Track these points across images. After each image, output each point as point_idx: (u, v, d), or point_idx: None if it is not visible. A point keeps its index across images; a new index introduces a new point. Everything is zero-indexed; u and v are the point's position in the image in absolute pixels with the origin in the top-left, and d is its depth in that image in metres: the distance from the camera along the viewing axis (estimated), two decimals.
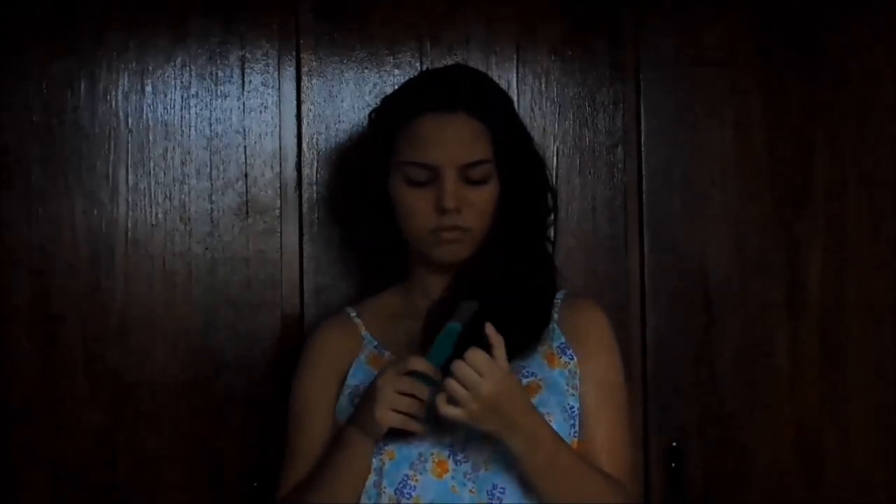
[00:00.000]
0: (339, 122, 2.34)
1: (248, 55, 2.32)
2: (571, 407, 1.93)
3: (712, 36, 2.39)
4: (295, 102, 2.33)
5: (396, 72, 2.34)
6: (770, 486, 2.38)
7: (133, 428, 2.28)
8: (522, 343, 1.91)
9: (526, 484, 1.86)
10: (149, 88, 2.30)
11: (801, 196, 2.40)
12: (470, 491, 1.87)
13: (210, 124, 2.31)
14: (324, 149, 2.33)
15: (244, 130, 2.32)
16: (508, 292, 1.93)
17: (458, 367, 1.75)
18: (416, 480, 1.87)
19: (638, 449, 2.35)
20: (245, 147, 2.32)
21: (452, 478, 1.87)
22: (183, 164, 2.30)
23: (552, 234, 2.07)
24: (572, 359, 1.96)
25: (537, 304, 1.95)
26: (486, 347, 1.77)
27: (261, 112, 2.32)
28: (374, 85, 2.34)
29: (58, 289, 2.27)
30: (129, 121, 2.29)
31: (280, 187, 2.32)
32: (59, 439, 2.27)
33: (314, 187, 2.33)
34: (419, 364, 1.80)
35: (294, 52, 2.33)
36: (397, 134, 1.96)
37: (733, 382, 2.38)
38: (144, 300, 2.29)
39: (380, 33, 2.34)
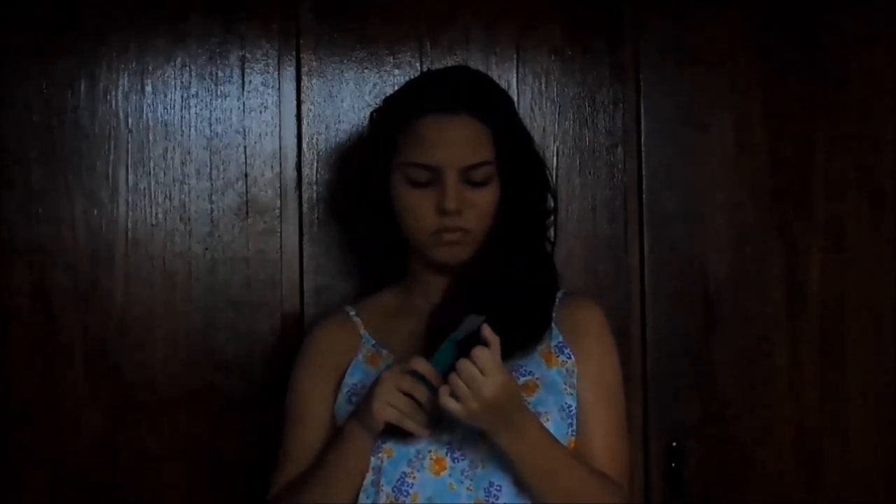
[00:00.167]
0: (339, 122, 2.34)
1: (248, 55, 2.32)
2: (569, 406, 1.93)
3: (712, 36, 2.39)
4: (295, 102, 2.33)
5: (396, 72, 2.34)
6: (770, 486, 2.38)
7: (133, 428, 2.28)
8: (523, 343, 1.91)
9: (522, 482, 1.86)
10: (149, 88, 2.30)
11: (801, 196, 2.40)
12: (467, 489, 1.87)
13: (210, 124, 2.31)
14: (324, 149, 2.33)
15: (244, 130, 2.32)
16: (509, 292, 1.93)
17: (464, 365, 1.75)
18: (414, 478, 1.87)
19: (638, 449, 2.35)
20: (245, 147, 2.32)
21: (450, 475, 1.88)
22: (183, 164, 2.30)
23: (552, 234, 2.07)
24: (570, 358, 1.96)
25: (537, 304, 1.95)
26: None
27: (261, 112, 2.32)
28: (374, 85, 2.34)
29: (58, 289, 2.27)
30: (129, 121, 2.30)
31: (280, 187, 2.32)
32: (59, 439, 2.27)
33: (314, 187, 2.33)
34: (422, 366, 1.81)
35: (294, 52, 2.33)
36: (399, 134, 1.96)
37: (733, 382, 2.38)
38: (144, 300, 2.29)
39: (380, 33, 2.34)
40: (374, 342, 2.02)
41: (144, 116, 2.30)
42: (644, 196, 2.38)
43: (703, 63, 2.39)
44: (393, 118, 1.98)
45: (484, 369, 1.75)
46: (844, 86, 2.40)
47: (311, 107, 2.33)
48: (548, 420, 1.89)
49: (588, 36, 2.37)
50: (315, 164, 2.33)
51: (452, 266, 1.98)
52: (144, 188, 2.29)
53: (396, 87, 2.11)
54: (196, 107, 2.31)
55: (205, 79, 2.31)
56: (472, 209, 1.93)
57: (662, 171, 2.39)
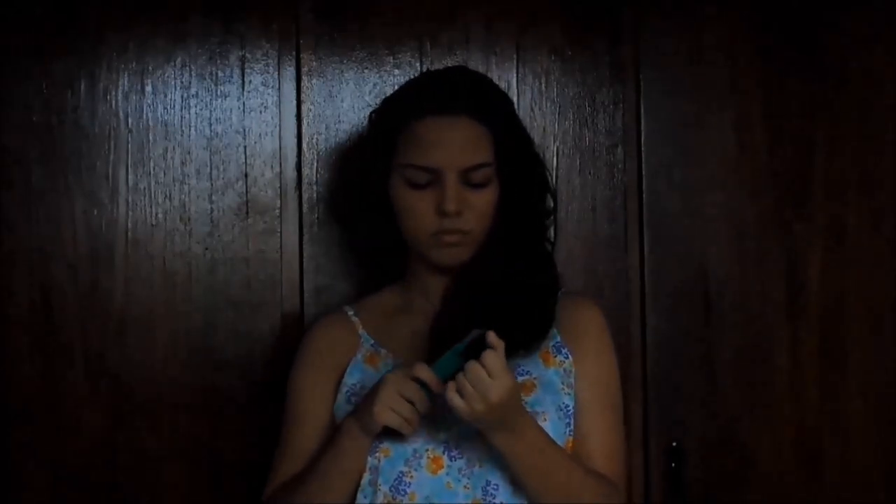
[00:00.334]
0: (339, 122, 2.34)
1: (248, 55, 2.32)
2: (566, 406, 1.93)
3: (712, 36, 2.39)
4: (295, 102, 2.33)
5: (396, 72, 2.34)
6: (770, 486, 2.38)
7: (133, 428, 2.28)
8: (525, 343, 1.91)
9: (518, 482, 1.87)
10: (149, 88, 2.30)
11: (801, 196, 2.40)
12: (465, 487, 1.87)
13: (210, 124, 2.31)
14: (324, 149, 2.33)
15: (244, 130, 2.32)
16: (509, 293, 1.93)
17: (473, 367, 1.75)
18: (412, 477, 1.87)
19: (638, 449, 2.35)
20: (245, 147, 2.32)
21: (447, 474, 1.88)
22: (183, 164, 2.30)
23: (552, 234, 2.07)
24: (567, 357, 1.96)
25: (539, 303, 1.95)
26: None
27: (261, 112, 2.32)
28: (374, 85, 2.34)
29: (58, 289, 2.27)
30: (129, 121, 2.30)
31: (280, 187, 2.32)
32: (59, 439, 2.27)
33: (314, 187, 2.33)
34: (424, 373, 1.81)
35: (294, 52, 2.33)
36: (398, 135, 1.96)
37: (733, 382, 2.38)
38: (144, 300, 2.29)
39: (380, 33, 2.34)
40: (372, 342, 2.02)
41: (144, 116, 2.30)
42: (644, 196, 2.38)
43: (703, 63, 2.39)
44: (392, 119, 1.98)
45: (492, 372, 1.75)
46: (844, 86, 2.40)
47: (311, 107, 2.33)
48: (545, 420, 1.90)
49: (588, 36, 2.37)
50: (315, 164, 2.33)
51: (452, 267, 1.98)
52: (144, 188, 2.29)
53: (396, 87, 2.11)
54: (196, 107, 2.31)
55: (205, 79, 2.31)
56: (471, 210, 1.93)
57: (662, 171, 2.39)
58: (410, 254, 2.03)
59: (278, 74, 2.32)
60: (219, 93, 2.31)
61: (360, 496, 1.89)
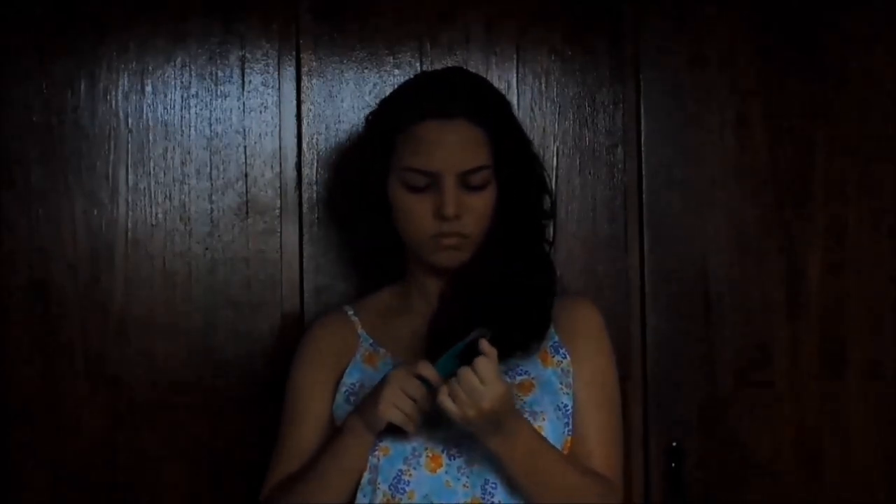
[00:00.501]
0: (339, 122, 2.34)
1: (248, 55, 2.32)
2: (565, 405, 1.93)
3: (712, 36, 2.39)
4: (295, 102, 2.33)
5: (396, 72, 2.34)
6: (770, 486, 2.38)
7: (133, 428, 2.28)
8: (523, 343, 1.91)
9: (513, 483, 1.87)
10: (149, 88, 2.30)
11: (801, 196, 2.40)
12: (464, 486, 1.87)
13: (210, 124, 2.31)
14: (324, 149, 2.33)
15: (244, 130, 2.32)
16: (508, 293, 1.93)
17: (465, 373, 1.76)
18: (410, 475, 1.87)
19: (638, 449, 2.35)
20: (245, 147, 2.32)
21: (446, 472, 1.88)
22: (183, 164, 2.30)
23: (551, 235, 2.07)
24: (565, 357, 1.96)
25: (537, 303, 1.95)
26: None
27: (261, 112, 2.32)
28: (374, 85, 2.34)
29: (58, 289, 2.27)
30: (129, 121, 2.30)
31: (280, 187, 2.32)
32: (59, 439, 2.27)
33: (314, 187, 2.33)
34: (427, 370, 1.81)
35: (294, 52, 2.33)
36: (396, 138, 1.95)
37: (733, 382, 2.38)
38: (144, 300, 2.29)
39: (380, 33, 2.34)
40: (371, 341, 2.02)
41: (144, 116, 2.30)
42: (644, 196, 2.38)
43: (703, 63, 2.39)
44: (389, 122, 1.98)
45: (484, 379, 1.76)
46: (844, 86, 2.40)
47: (311, 107, 2.33)
48: (544, 419, 1.90)
49: (588, 36, 2.37)
50: (315, 164, 2.33)
51: (451, 269, 1.98)
52: (144, 188, 2.29)
53: (394, 89, 2.10)
54: (196, 107, 2.31)
55: (205, 79, 2.31)
56: (470, 213, 1.93)
57: (662, 171, 2.39)
58: (408, 254, 2.03)
59: (278, 74, 2.32)
60: (219, 93, 2.31)
61: (359, 495, 1.89)
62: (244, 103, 2.32)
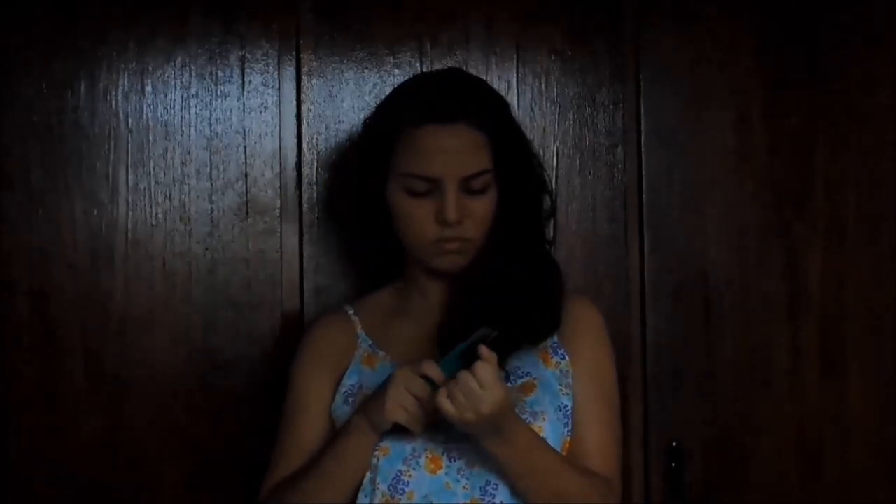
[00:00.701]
0: (339, 122, 2.34)
1: (248, 55, 2.32)
2: (565, 406, 1.93)
3: (712, 36, 2.39)
4: (295, 102, 2.33)
5: (396, 72, 2.34)
6: (770, 486, 2.38)
7: (133, 428, 2.28)
8: (530, 341, 1.91)
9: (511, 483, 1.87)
10: (149, 88, 2.30)
11: (801, 196, 2.40)
12: (464, 487, 1.87)
13: (210, 124, 2.31)
14: (324, 149, 2.33)
15: (244, 130, 2.32)
16: (512, 294, 1.92)
17: (465, 377, 1.76)
18: (410, 476, 1.87)
19: (638, 449, 2.35)
20: (245, 147, 2.32)
21: (446, 474, 1.88)
22: (183, 164, 2.30)
23: (551, 234, 2.06)
24: (564, 358, 1.96)
25: (541, 301, 1.94)
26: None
27: (261, 112, 2.32)
28: (374, 85, 2.34)
29: (58, 289, 2.27)
30: (129, 121, 2.30)
31: (280, 187, 2.32)
32: (59, 439, 2.27)
33: (314, 187, 2.33)
34: (432, 370, 1.81)
35: (294, 52, 2.33)
36: (396, 143, 1.94)
37: (733, 382, 2.38)
38: (144, 300, 2.29)
39: (380, 33, 2.34)
40: (370, 342, 2.02)
41: (144, 116, 2.30)
42: (644, 196, 2.38)
43: (703, 63, 2.39)
44: (389, 126, 1.96)
45: (483, 383, 1.75)
46: (844, 86, 2.40)
47: (311, 107, 2.33)
48: (544, 420, 1.90)
49: (588, 36, 2.37)
50: (315, 164, 2.33)
51: (451, 272, 1.97)
52: (144, 188, 2.29)
53: (391, 92, 2.10)
54: (196, 107, 2.31)
55: (205, 79, 2.31)
56: (471, 217, 1.93)
57: (662, 171, 2.39)
58: (408, 256, 2.03)
59: (278, 74, 2.32)
60: (219, 93, 2.31)
61: (360, 495, 1.89)
62: (244, 103, 2.32)
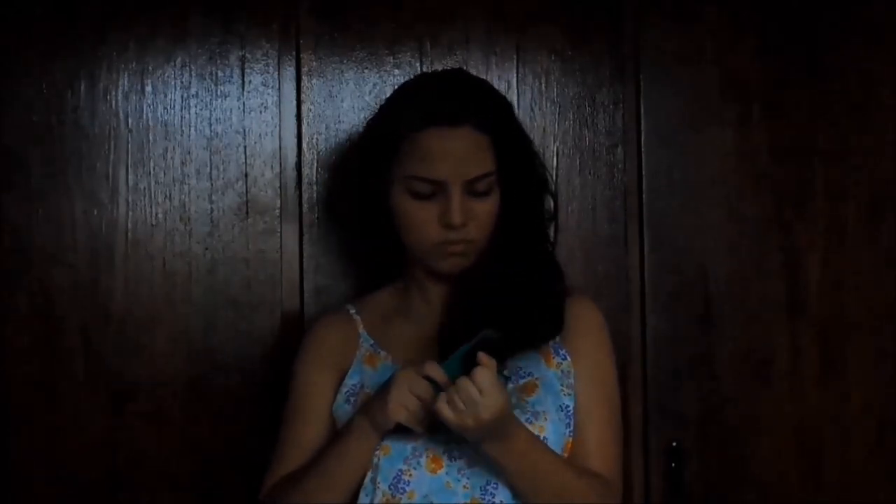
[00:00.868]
0: (339, 122, 2.34)
1: (248, 55, 2.32)
2: (566, 406, 1.93)
3: (712, 36, 2.39)
4: (295, 102, 2.33)
5: (396, 72, 2.34)
6: (770, 486, 2.38)
7: (133, 428, 2.28)
8: (532, 343, 1.91)
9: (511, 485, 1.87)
10: (149, 88, 2.30)
11: (801, 196, 2.40)
12: (464, 487, 1.87)
13: (210, 124, 2.31)
14: (324, 149, 2.33)
15: (244, 130, 2.32)
16: (513, 294, 1.92)
17: (464, 383, 1.76)
18: (410, 475, 1.87)
19: (638, 449, 2.35)
20: (245, 147, 2.32)
21: (447, 473, 1.88)
22: (183, 164, 2.30)
23: (553, 235, 2.06)
24: (565, 359, 1.96)
25: (547, 302, 1.94)
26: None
27: (261, 112, 2.32)
28: (374, 85, 2.34)
29: (58, 289, 2.27)
30: (129, 121, 2.30)
31: (280, 187, 2.32)
32: (59, 439, 2.27)
33: (314, 187, 2.33)
34: (435, 371, 1.81)
35: (294, 52, 2.33)
36: (399, 145, 1.93)
37: (733, 382, 2.38)
38: (144, 300, 2.29)
39: (380, 33, 2.34)
40: (372, 342, 2.02)
41: (144, 116, 2.30)
42: (644, 196, 2.38)
43: (703, 63, 2.39)
44: (392, 129, 1.95)
45: (483, 390, 1.75)
46: (844, 86, 2.40)
47: (311, 107, 2.33)
48: (546, 419, 1.90)
49: (588, 36, 2.37)
50: (315, 164, 2.33)
51: (454, 274, 1.97)
52: (144, 188, 2.29)
53: (396, 87, 2.10)
54: (196, 107, 2.31)
55: (205, 79, 2.31)
56: (475, 220, 1.92)
57: (662, 171, 2.39)
58: (409, 257, 2.02)
59: (278, 74, 2.32)
60: (219, 93, 2.31)
61: (362, 494, 1.89)
62: (244, 103, 2.32)
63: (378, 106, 2.06)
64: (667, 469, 2.36)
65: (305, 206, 2.32)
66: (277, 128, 2.32)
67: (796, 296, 2.39)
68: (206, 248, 2.30)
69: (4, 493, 2.26)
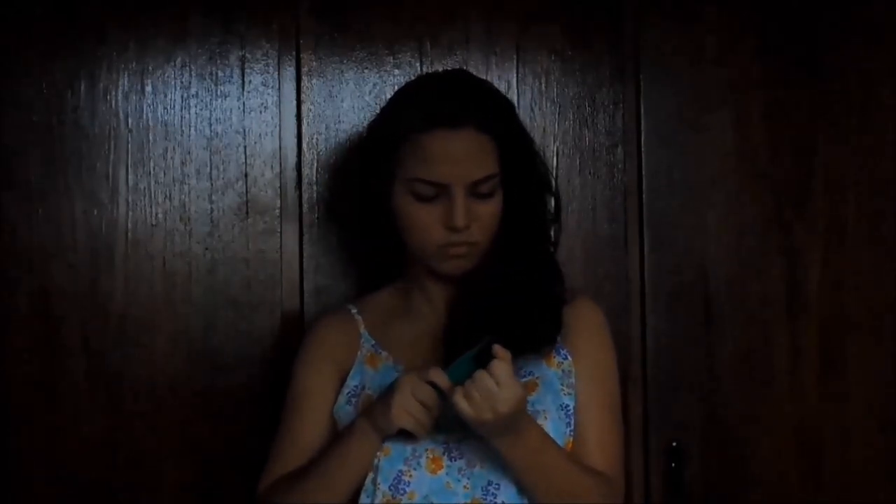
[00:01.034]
0: (339, 122, 2.34)
1: (248, 55, 2.32)
2: (566, 406, 1.93)
3: (712, 36, 2.39)
4: (295, 102, 2.33)
5: (396, 72, 2.34)
6: (770, 486, 2.38)
7: (133, 428, 2.28)
8: (534, 345, 1.90)
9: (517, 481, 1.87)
10: (149, 88, 2.30)
11: (801, 196, 2.40)
12: (464, 487, 1.87)
13: (210, 124, 2.31)
14: (324, 149, 2.33)
15: (244, 130, 2.32)
16: (515, 296, 1.92)
17: (482, 376, 1.76)
18: (411, 476, 1.87)
19: (638, 449, 2.35)
20: (245, 147, 2.32)
21: (447, 474, 1.88)
22: (183, 164, 2.30)
23: (555, 236, 2.06)
24: (566, 358, 1.96)
25: (545, 306, 1.93)
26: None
27: (261, 112, 2.32)
28: (374, 85, 2.34)
29: (58, 289, 2.27)
30: (129, 121, 2.30)
31: (280, 187, 2.32)
32: (59, 439, 2.27)
33: (314, 187, 2.33)
34: (439, 377, 1.81)
35: (294, 52, 2.33)
36: (402, 147, 1.92)
37: (733, 382, 2.38)
38: (144, 300, 2.29)
39: (380, 33, 2.34)
40: (373, 342, 2.02)
41: (144, 116, 2.30)
42: (644, 196, 2.38)
43: (703, 63, 2.39)
44: (394, 130, 1.94)
45: (500, 382, 1.75)
46: (844, 86, 2.40)
47: (311, 107, 2.33)
48: (546, 418, 1.90)
49: (588, 36, 2.37)
50: (315, 164, 2.33)
51: (456, 276, 1.97)
52: (144, 188, 2.29)
53: (396, 87, 2.10)
54: (196, 107, 2.31)
55: (205, 79, 2.31)
56: (478, 222, 1.92)
57: (662, 171, 2.39)
58: (410, 258, 2.02)
59: (278, 74, 2.32)
60: (219, 93, 2.31)
61: (362, 495, 1.89)
62: (244, 103, 2.32)
63: (378, 106, 2.06)
64: (667, 469, 2.36)
65: (305, 206, 2.32)
66: (277, 128, 2.32)
67: (796, 296, 2.39)
68: (206, 248, 2.30)
69: (4, 493, 2.26)
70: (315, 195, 2.33)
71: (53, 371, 2.27)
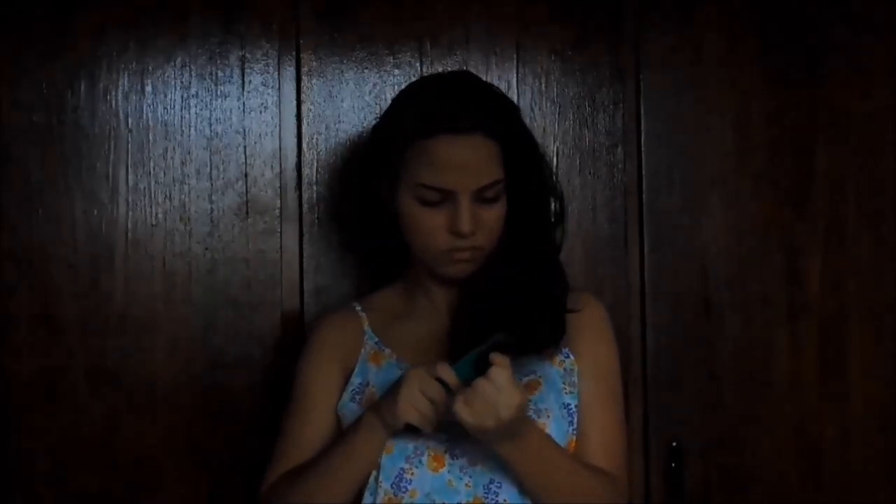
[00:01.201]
0: (339, 122, 2.34)
1: (248, 55, 2.32)
2: (568, 405, 1.93)
3: (712, 36, 2.39)
4: (295, 102, 2.33)
5: (396, 72, 2.34)
6: (770, 486, 2.38)
7: (133, 428, 2.28)
8: (538, 346, 1.90)
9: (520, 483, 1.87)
10: (149, 88, 2.30)
11: (801, 196, 2.40)
12: (466, 485, 1.87)
13: (210, 124, 2.31)
14: (324, 149, 2.33)
15: (244, 130, 2.32)
16: (521, 298, 1.91)
17: (482, 383, 1.75)
18: (412, 474, 1.87)
19: (638, 449, 2.35)
20: (245, 147, 2.32)
21: (449, 472, 1.88)
22: (183, 164, 2.30)
23: (559, 237, 2.05)
24: (568, 357, 1.96)
25: (549, 307, 1.93)
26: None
27: (261, 112, 2.32)
28: (374, 85, 2.34)
29: (58, 289, 2.27)
30: (129, 121, 2.30)
31: (280, 187, 2.32)
32: (59, 439, 2.27)
33: (314, 187, 2.33)
34: (446, 373, 1.80)
35: (294, 52, 2.33)
36: (407, 152, 1.91)
37: (733, 382, 2.38)
38: (144, 300, 2.29)
39: (380, 33, 2.34)
40: (376, 340, 2.02)
41: (144, 116, 2.30)
42: (644, 196, 2.38)
43: (703, 63, 2.39)
44: (400, 135, 1.93)
45: (500, 388, 1.75)
46: (844, 86, 2.40)
47: (311, 107, 2.33)
48: (549, 417, 1.90)
49: (588, 36, 2.37)
50: (315, 164, 2.33)
51: (460, 279, 1.97)
52: (144, 188, 2.29)
53: (396, 88, 2.10)
54: (196, 107, 2.31)
55: (205, 79, 2.31)
56: (483, 227, 1.91)
57: (662, 171, 2.39)
58: (413, 259, 2.02)
59: (278, 74, 2.32)
60: (219, 93, 2.31)
61: (367, 493, 1.88)
62: (244, 103, 2.32)
63: (378, 106, 2.06)
64: (667, 469, 2.36)
65: (305, 206, 2.32)
66: (277, 128, 2.32)
67: (796, 295, 2.39)
68: (206, 248, 2.30)
69: (4, 492, 2.26)
70: (315, 195, 2.33)
71: (53, 371, 2.27)
